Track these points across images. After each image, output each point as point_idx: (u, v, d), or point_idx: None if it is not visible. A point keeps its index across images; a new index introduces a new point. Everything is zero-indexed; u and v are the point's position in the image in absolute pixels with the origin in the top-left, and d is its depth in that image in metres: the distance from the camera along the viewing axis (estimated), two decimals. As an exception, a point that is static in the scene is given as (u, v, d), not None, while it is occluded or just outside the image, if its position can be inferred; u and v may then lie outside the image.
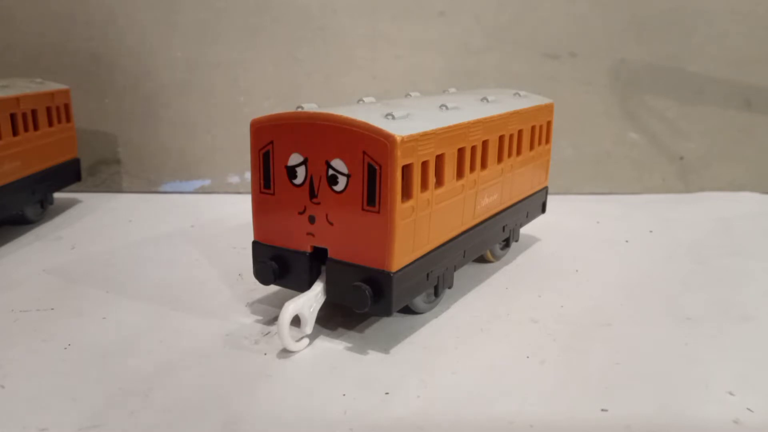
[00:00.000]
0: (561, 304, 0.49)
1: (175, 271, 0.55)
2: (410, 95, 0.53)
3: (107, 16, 0.79)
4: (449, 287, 0.47)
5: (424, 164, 0.40)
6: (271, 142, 0.42)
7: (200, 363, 0.40)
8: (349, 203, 0.40)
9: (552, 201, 0.69)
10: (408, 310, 0.46)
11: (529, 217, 0.59)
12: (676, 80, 0.81)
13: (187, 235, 0.65)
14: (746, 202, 0.79)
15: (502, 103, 0.52)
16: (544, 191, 0.61)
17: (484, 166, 0.48)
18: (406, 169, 0.39)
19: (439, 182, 0.43)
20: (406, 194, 0.39)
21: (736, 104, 0.83)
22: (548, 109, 0.59)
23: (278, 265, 0.43)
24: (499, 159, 0.51)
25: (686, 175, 0.84)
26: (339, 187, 0.40)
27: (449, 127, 0.43)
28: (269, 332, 0.44)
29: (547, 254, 0.60)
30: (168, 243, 0.63)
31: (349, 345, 0.42)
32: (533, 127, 0.56)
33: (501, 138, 0.50)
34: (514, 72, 0.80)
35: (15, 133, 0.62)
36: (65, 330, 0.44)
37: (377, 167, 0.38)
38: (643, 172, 0.84)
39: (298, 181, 0.41)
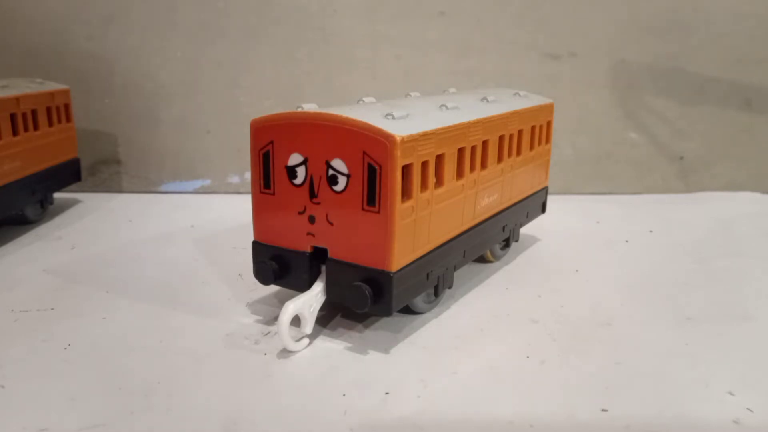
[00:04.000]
0: (561, 304, 0.49)
1: (175, 271, 0.55)
2: (410, 95, 0.53)
3: (107, 16, 0.79)
4: (449, 287, 0.47)
5: (424, 164, 0.40)
6: (271, 142, 0.42)
7: (200, 363, 0.40)
8: (349, 203, 0.40)
9: (552, 201, 0.69)
10: (408, 310, 0.46)
11: (529, 217, 0.59)
12: (676, 80, 0.81)
13: (187, 235, 0.65)
14: (746, 202, 0.79)
15: (502, 103, 0.52)
16: (544, 191, 0.61)
17: (484, 166, 0.48)
18: (406, 169, 0.39)
19: (439, 182, 0.43)
20: (406, 194, 0.39)
21: (736, 104, 0.83)
22: (548, 109, 0.59)
23: (278, 265, 0.43)
24: (499, 159, 0.51)
25: (686, 175, 0.84)
26: (339, 187, 0.40)
27: (449, 127, 0.43)
28: (269, 332, 0.44)
29: (547, 254, 0.60)
30: (168, 243, 0.63)
31: (349, 345, 0.42)
32: (533, 127, 0.56)
33: (501, 138, 0.50)
34: (514, 72, 0.80)
35: (15, 133, 0.62)
36: (65, 330, 0.44)
37: (377, 167, 0.38)
38: (643, 172, 0.84)
39: (298, 181, 0.41)
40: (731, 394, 0.37)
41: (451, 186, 0.44)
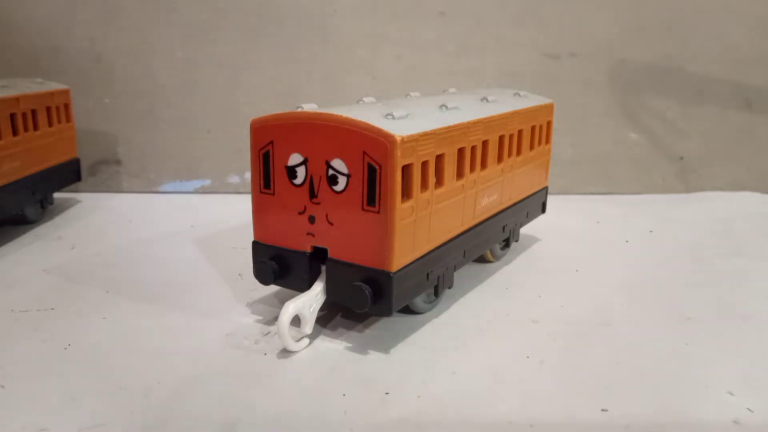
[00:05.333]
0: (561, 304, 0.49)
1: (175, 271, 0.55)
2: (410, 95, 0.53)
3: (107, 16, 0.79)
4: (449, 287, 0.47)
5: (424, 164, 0.40)
6: (271, 142, 0.42)
7: (200, 363, 0.40)
8: (349, 203, 0.40)
9: (552, 201, 0.69)
10: (408, 310, 0.46)
11: (529, 217, 0.59)
12: (676, 80, 0.81)
13: (187, 235, 0.65)
14: (746, 202, 0.79)
15: (502, 103, 0.52)
16: (544, 191, 0.61)
17: (484, 166, 0.48)
18: (406, 169, 0.39)
19: (439, 182, 0.43)
20: (406, 194, 0.39)
21: (736, 104, 0.82)
22: (548, 109, 0.59)
23: (278, 265, 0.43)
24: (499, 159, 0.51)
25: (686, 175, 0.84)
26: (339, 187, 0.40)
27: (449, 127, 0.43)
28: (269, 332, 0.44)
29: (547, 254, 0.60)
30: (168, 243, 0.63)
31: (349, 345, 0.42)
32: (533, 127, 0.56)
33: (501, 138, 0.50)
34: (514, 72, 0.80)
35: (15, 133, 0.62)
36: (65, 330, 0.44)
37: (377, 167, 0.38)
38: (643, 172, 0.84)
39: (298, 181, 0.41)
40: (731, 394, 0.37)
41: (451, 186, 0.44)
